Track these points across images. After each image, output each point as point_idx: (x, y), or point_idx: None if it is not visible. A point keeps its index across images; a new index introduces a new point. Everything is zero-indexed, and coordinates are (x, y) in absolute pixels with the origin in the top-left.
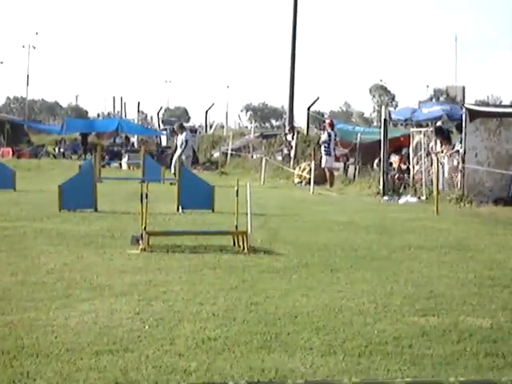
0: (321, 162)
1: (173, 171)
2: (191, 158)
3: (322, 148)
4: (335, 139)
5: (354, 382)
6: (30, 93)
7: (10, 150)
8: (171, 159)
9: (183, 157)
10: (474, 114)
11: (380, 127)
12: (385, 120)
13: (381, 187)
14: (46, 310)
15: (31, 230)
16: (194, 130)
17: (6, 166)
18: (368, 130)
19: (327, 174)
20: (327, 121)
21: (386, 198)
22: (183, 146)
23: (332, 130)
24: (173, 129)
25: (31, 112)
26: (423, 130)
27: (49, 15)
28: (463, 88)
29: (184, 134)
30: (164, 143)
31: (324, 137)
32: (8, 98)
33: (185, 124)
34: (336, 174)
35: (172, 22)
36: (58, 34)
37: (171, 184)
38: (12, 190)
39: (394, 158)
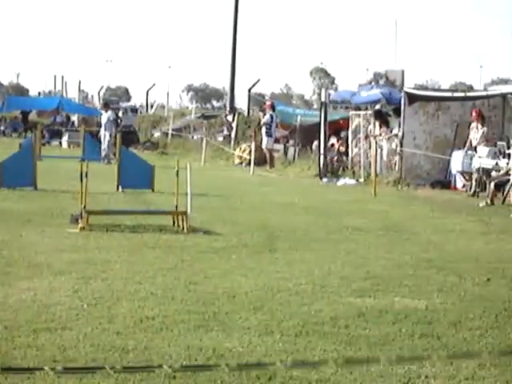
0: (261, 143)
1: (105, 153)
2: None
3: (263, 129)
4: (276, 121)
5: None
6: None
7: None
8: (99, 138)
9: (108, 136)
10: (412, 98)
11: (320, 110)
12: (324, 103)
13: (320, 169)
14: None
15: None
16: (134, 110)
17: None
18: (308, 113)
19: (267, 155)
20: (268, 102)
21: (324, 180)
22: (108, 126)
23: (273, 111)
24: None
25: None
26: (362, 113)
27: None
28: (402, 72)
29: (109, 112)
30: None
31: (266, 118)
32: None
33: (126, 104)
34: (276, 155)
35: (114, 1)
36: None
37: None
38: None
39: (334, 141)
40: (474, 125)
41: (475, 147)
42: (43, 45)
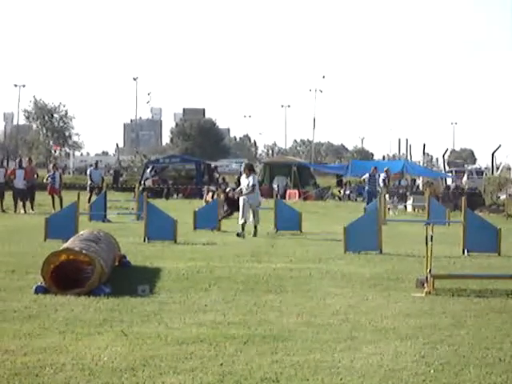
0: None
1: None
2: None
3: None
4: None
5: None
6: (316, 135)
7: (296, 192)
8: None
9: (247, 200)
10: None
11: None
12: None
13: None
14: (331, 351)
15: (316, 271)
16: (480, 172)
17: (293, 208)
18: None
19: None
20: None
21: None
22: (249, 190)
23: None
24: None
25: (317, 155)
26: None
27: (335, 60)
28: None
29: (251, 177)
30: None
31: None
32: (295, 141)
33: (471, 166)
34: None
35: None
36: (345, 77)
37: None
38: (298, 232)
39: None
40: None
41: None
42: (387, 110)
